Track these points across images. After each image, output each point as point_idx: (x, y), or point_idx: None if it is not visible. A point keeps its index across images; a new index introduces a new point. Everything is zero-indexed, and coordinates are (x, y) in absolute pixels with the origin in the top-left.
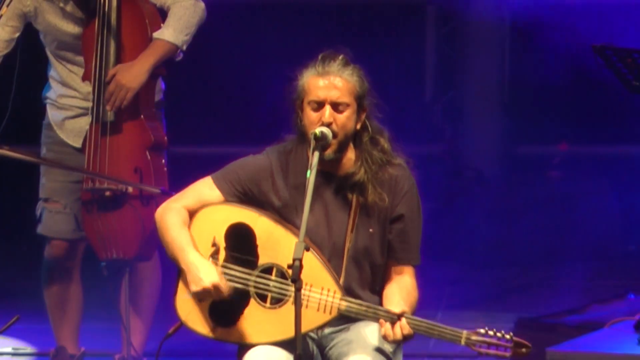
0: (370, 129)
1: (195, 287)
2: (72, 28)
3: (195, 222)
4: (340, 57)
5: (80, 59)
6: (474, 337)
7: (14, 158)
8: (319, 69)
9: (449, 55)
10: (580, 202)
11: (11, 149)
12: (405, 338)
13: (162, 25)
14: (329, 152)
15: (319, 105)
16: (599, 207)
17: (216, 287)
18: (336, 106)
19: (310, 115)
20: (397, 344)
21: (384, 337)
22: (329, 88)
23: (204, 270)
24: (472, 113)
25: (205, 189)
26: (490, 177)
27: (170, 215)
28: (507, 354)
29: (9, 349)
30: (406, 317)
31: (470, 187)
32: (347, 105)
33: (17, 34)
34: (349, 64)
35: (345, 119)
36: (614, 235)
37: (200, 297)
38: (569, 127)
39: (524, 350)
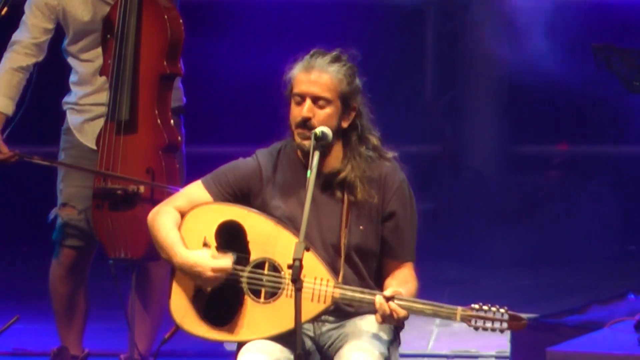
0: (360, 128)
1: (200, 282)
2: (95, 15)
3: (185, 223)
4: (332, 54)
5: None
6: (469, 313)
7: (45, 165)
8: (305, 63)
9: (449, 55)
10: (579, 202)
11: (41, 158)
12: (400, 320)
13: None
14: (307, 143)
15: (302, 99)
16: (598, 207)
17: (216, 270)
18: (316, 101)
19: (293, 108)
20: (394, 326)
21: (379, 321)
22: (311, 83)
23: (198, 263)
24: (472, 113)
25: (195, 192)
26: (490, 177)
27: (161, 217)
28: (504, 327)
29: (9, 349)
30: (399, 298)
31: (470, 187)
32: (329, 101)
33: (47, 37)
34: (339, 61)
35: (326, 115)
36: (614, 235)
37: (208, 286)
38: (569, 127)
39: (521, 322)
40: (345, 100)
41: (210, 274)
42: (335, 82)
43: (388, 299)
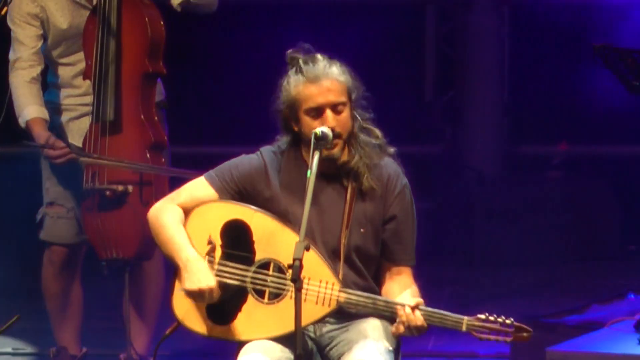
0: (359, 117)
1: (190, 285)
2: (73, 20)
3: (190, 221)
4: (321, 57)
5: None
6: (475, 323)
7: (102, 165)
8: (307, 75)
9: (449, 55)
10: (579, 202)
11: (99, 157)
12: (420, 330)
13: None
14: (336, 151)
15: (318, 112)
16: (598, 207)
17: (210, 292)
18: (335, 107)
19: (310, 123)
20: (409, 336)
21: (400, 332)
22: (325, 93)
23: (203, 272)
24: (472, 113)
25: (199, 188)
26: (490, 177)
27: (166, 213)
28: (508, 339)
29: (8, 349)
30: (420, 308)
31: (470, 187)
32: (344, 104)
33: (42, 41)
34: (331, 61)
35: (346, 118)
36: (614, 235)
37: (192, 296)
38: (569, 127)
39: (524, 334)
40: (351, 96)
41: (204, 288)
42: (343, 84)
43: (414, 308)
